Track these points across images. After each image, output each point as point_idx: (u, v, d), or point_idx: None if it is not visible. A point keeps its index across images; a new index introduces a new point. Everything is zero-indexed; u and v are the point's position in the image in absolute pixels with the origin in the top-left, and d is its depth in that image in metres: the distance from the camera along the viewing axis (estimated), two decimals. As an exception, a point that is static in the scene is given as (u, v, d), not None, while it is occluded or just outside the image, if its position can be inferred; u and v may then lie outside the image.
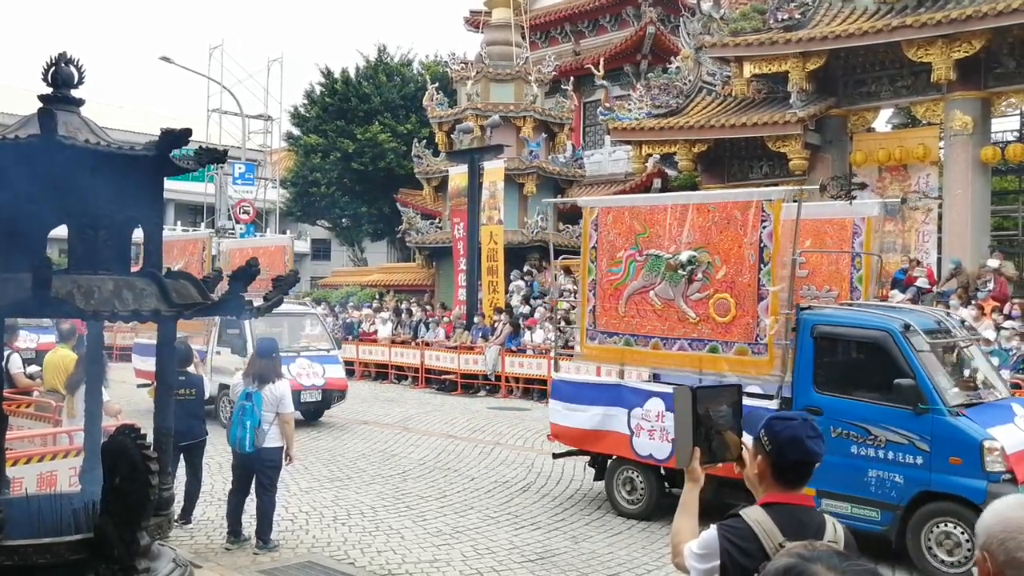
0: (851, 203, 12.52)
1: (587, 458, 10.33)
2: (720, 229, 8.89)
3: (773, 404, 8.35)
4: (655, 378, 10.14)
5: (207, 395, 10.07)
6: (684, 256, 9.05)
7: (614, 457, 9.66)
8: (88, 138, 3.98)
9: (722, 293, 8.84)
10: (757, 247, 8.60)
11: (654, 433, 9.07)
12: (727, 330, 8.80)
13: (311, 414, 15.37)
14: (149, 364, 13.77)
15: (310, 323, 16.87)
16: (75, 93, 4.23)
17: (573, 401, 9.88)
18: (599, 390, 9.83)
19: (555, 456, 10.56)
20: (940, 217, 19.22)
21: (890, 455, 7.73)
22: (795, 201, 8.79)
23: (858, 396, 8.08)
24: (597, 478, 10.07)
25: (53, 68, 4.18)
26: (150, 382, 13.84)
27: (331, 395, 15.42)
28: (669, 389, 8.76)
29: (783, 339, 8.48)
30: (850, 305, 9.38)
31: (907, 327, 7.97)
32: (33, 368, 12.07)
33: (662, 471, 9.33)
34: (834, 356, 8.60)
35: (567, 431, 9.99)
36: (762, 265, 8.56)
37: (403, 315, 24.87)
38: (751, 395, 8.72)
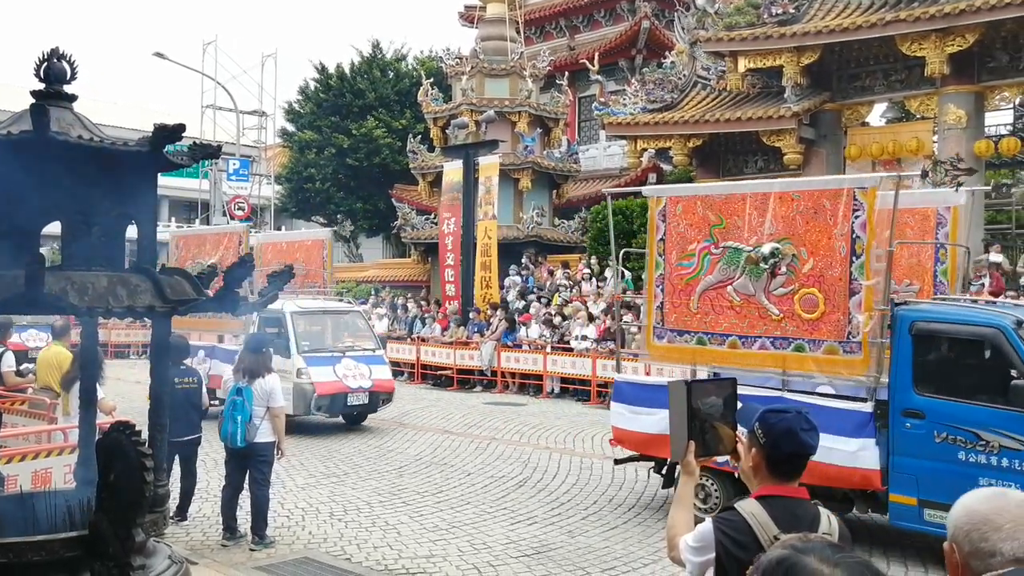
0: (957, 190, 11.48)
1: (650, 464, 9.82)
2: (806, 219, 8.30)
3: (866, 407, 7.79)
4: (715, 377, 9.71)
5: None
6: (767, 248, 8.45)
7: None
8: (81, 134, 3.97)
9: (809, 288, 8.25)
10: (849, 238, 8.01)
11: None
12: (815, 327, 8.21)
13: (354, 418, 14.85)
14: None
15: (354, 321, 16.02)
16: (68, 89, 4.22)
17: (638, 404, 9.25)
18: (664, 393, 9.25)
19: (616, 462, 10.10)
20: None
21: (1005, 462, 7.09)
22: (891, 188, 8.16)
23: (966, 398, 7.45)
24: (666, 485, 9.48)
25: (45, 64, 4.16)
26: None
27: (378, 397, 14.65)
28: (749, 391, 8.12)
29: (878, 337, 7.87)
30: (944, 300, 8.78)
31: (1020, 324, 7.36)
32: (27, 365, 12.07)
33: (738, 477, 8.81)
34: (936, 355, 7.94)
35: (631, 435, 9.38)
36: (854, 258, 7.97)
37: (399, 311, 24.87)
38: (831, 396, 8.44)
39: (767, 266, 8.47)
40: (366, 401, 14.43)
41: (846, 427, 7.65)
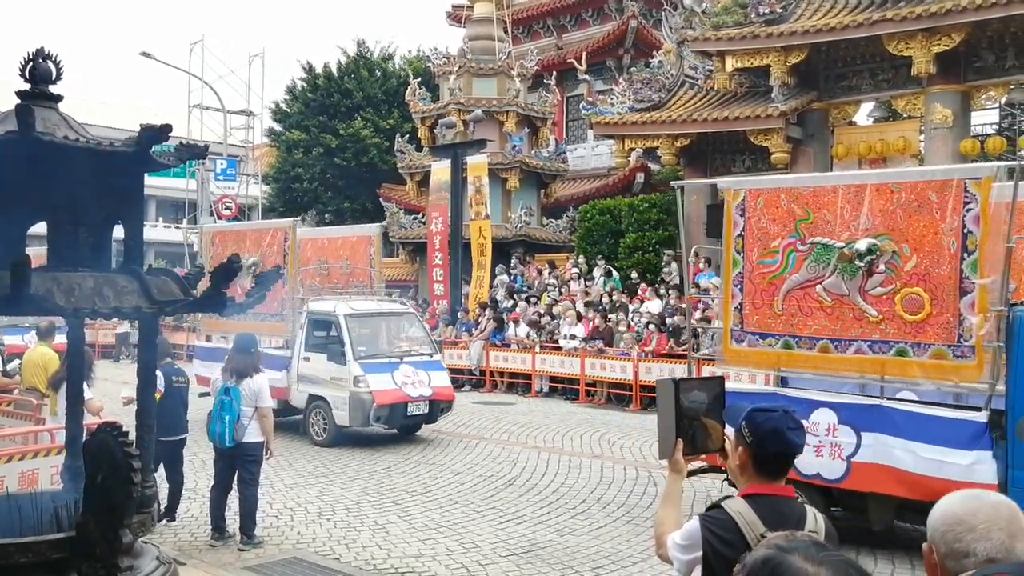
0: None
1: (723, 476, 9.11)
2: (908, 213, 7.64)
3: (980, 416, 7.15)
4: (783, 382, 8.99)
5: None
6: (863, 245, 7.81)
7: None
8: (67, 134, 3.95)
9: (912, 287, 7.62)
10: (959, 233, 7.36)
11: (822, 449, 7.79)
12: (920, 330, 7.58)
13: (408, 428, 13.65)
14: (216, 370, 12.72)
15: (409, 323, 14.76)
16: (53, 89, 4.20)
17: None
18: (752, 400, 8.18)
19: (690, 474, 8.90)
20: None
21: None
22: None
23: None
24: None
25: (31, 64, 4.15)
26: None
27: (437, 407, 13.40)
28: (843, 398, 7.88)
29: (994, 340, 7.25)
30: None
31: None
32: (13, 364, 12.00)
33: (833, 493, 8.08)
34: None
35: None
36: (965, 254, 7.33)
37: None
38: (934, 404, 7.82)
39: (863, 264, 7.86)
40: (426, 411, 13.26)
41: (959, 438, 7.13)
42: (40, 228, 4.30)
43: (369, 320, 13.94)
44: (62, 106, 4.24)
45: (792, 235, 8.34)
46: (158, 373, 8.06)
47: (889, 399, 7.91)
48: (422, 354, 13.92)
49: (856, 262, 7.86)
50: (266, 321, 14.02)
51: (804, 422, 7.85)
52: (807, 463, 7.71)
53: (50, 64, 4.18)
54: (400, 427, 13.38)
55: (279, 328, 14.14)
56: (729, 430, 3.13)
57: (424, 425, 13.73)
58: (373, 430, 13.27)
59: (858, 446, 7.61)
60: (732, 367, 9.87)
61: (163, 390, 7.90)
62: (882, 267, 7.78)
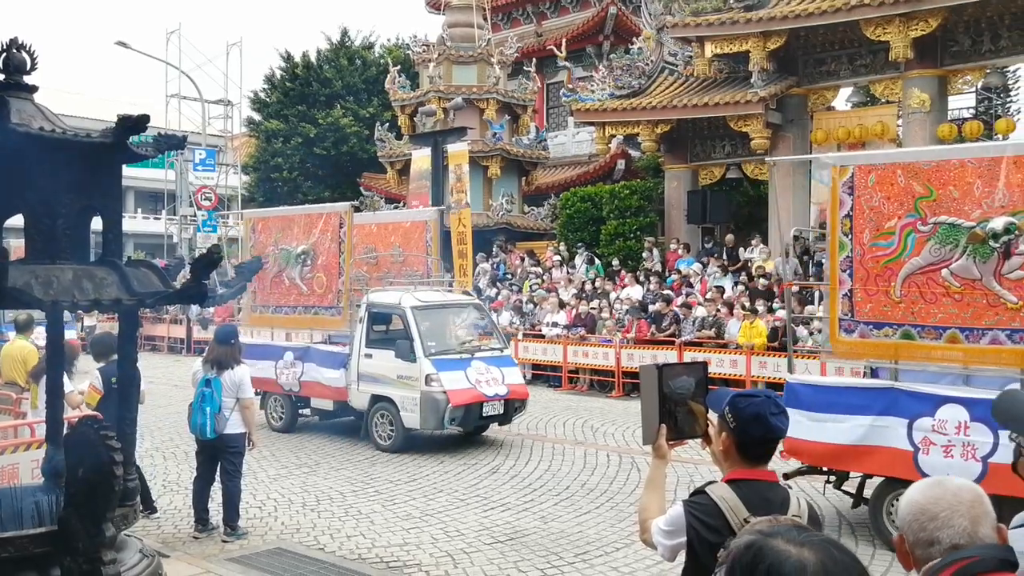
0: None
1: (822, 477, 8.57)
2: None
3: None
4: (877, 374, 8.39)
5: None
6: (999, 223, 7.15)
7: (884, 479, 7.80)
8: (43, 125, 3.90)
9: None
10: None
11: (951, 449, 7.22)
12: None
13: (478, 430, 12.58)
14: (256, 368, 11.82)
15: (475, 315, 13.51)
16: (28, 80, 4.15)
17: (822, 410, 7.89)
18: (865, 395, 7.85)
19: (786, 476, 7.86)
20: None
21: None
22: None
23: None
24: (856, 504, 8.25)
25: (4, 54, 4.09)
26: (260, 391, 12.69)
27: (512, 406, 12.31)
28: (977, 393, 7.22)
29: None
30: None
31: None
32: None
33: None
34: None
35: (812, 447, 7.97)
36: None
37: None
38: None
39: (998, 245, 7.19)
40: (501, 411, 12.13)
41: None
42: (17, 220, 4.25)
43: (436, 312, 12.78)
44: (37, 97, 4.19)
45: (911, 214, 7.66)
46: (96, 373, 7.99)
47: None
48: (492, 349, 12.83)
49: (990, 243, 7.23)
50: (319, 315, 13.39)
51: (927, 419, 7.27)
52: (933, 463, 7.17)
53: (24, 54, 4.12)
54: (473, 429, 12.35)
55: (335, 322, 13.17)
56: (713, 415, 3.14)
57: (489, 426, 12.65)
58: (448, 431, 12.25)
59: (995, 446, 6.90)
60: (840, 360, 9.32)
61: (103, 391, 7.69)
62: (1022, 248, 7.15)
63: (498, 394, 11.98)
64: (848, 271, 8.05)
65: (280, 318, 13.93)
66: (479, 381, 11.94)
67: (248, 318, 14.71)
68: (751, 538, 1.63)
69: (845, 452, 7.80)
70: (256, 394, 12.80)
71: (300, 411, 13.64)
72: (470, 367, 12.05)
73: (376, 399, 12.24)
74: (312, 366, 12.96)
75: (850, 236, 8.02)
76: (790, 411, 8.94)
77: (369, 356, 12.47)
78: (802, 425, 7.83)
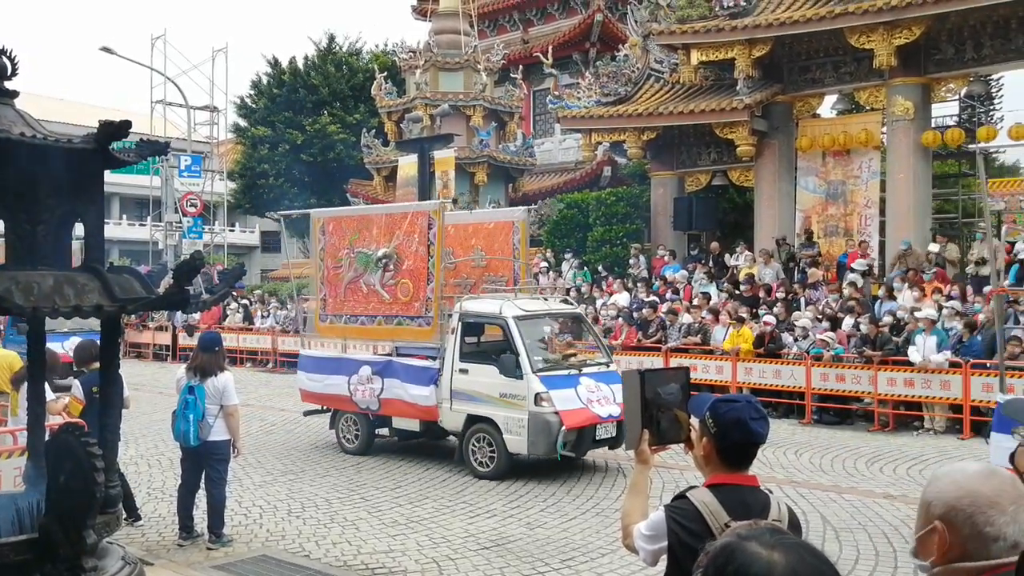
0: None
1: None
2: None
3: None
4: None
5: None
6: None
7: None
8: (24, 131, 3.89)
9: None
10: None
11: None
12: None
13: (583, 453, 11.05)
14: (325, 384, 12.20)
15: (578, 325, 12.54)
16: (9, 85, 4.13)
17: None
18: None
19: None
20: (883, 201, 19.57)
21: None
22: None
23: None
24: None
25: (-15, 60, 4.08)
26: (321, 407, 12.88)
27: (623, 428, 10.43)
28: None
29: None
30: None
31: None
32: None
33: None
34: None
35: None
36: None
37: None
38: None
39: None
40: (614, 433, 10.65)
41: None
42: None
43: (540, 323, 11.52)
44: (19, 102, 4.17)
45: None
46: (76, 383, 7.96)
47: None
48: (599, 363, 11.54)
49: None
50: (404, 324, 11.89)
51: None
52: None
53: (5, 59, 4.11)
54: (570, 451, 10.65)
55: (424, 333, 11.68)
56: (695, 420, 3.15)
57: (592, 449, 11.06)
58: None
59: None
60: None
61: (84, 401, 7.66)
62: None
63: (612, 415, 10.52)
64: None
65: (355, 328, 12.47)
66: (591, 400, 10.66)
67: (317, 328, 13.25)
68: (727, 540, 1.64)
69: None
70: (323, 411, 12.90)
71: (377, 431, 12.34)
72: (580, 384, 10.78)
73: (473, 419, 11.00)
74: (395, 382, 11.60)
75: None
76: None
77: (464, 372, 11.17)
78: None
